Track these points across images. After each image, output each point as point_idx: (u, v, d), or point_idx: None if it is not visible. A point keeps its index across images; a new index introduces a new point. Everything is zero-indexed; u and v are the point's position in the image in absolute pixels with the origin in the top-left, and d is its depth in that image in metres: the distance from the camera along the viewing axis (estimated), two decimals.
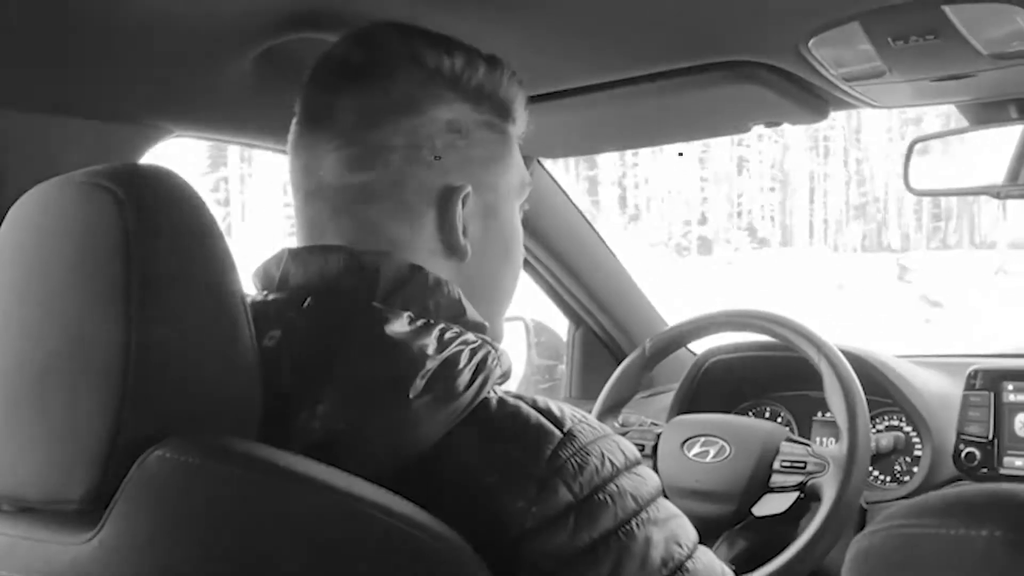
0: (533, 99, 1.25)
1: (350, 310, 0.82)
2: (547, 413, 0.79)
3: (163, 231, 0.73)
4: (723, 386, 1.92)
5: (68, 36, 1.05)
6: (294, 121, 0.92)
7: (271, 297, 0.87)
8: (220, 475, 0.69)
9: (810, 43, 1.08)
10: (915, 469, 1.72)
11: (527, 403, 0.81)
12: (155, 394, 0.71)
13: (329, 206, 0.88)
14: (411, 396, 0.76)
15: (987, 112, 1.34)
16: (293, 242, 0.92)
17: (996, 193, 1.40)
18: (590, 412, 1.66)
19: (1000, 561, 0.44)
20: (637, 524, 0.77)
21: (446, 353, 0.79)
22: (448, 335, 0.81)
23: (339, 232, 0.88)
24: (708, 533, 1.48)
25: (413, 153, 0.87)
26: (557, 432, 0.77)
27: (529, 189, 0.99)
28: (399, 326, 0.79)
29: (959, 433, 1.61)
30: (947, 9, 0.96)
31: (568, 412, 0.81)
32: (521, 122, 0.97)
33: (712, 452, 1.55)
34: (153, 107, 1.26)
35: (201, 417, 0.73)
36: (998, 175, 1.39)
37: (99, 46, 1.09)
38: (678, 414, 1.80)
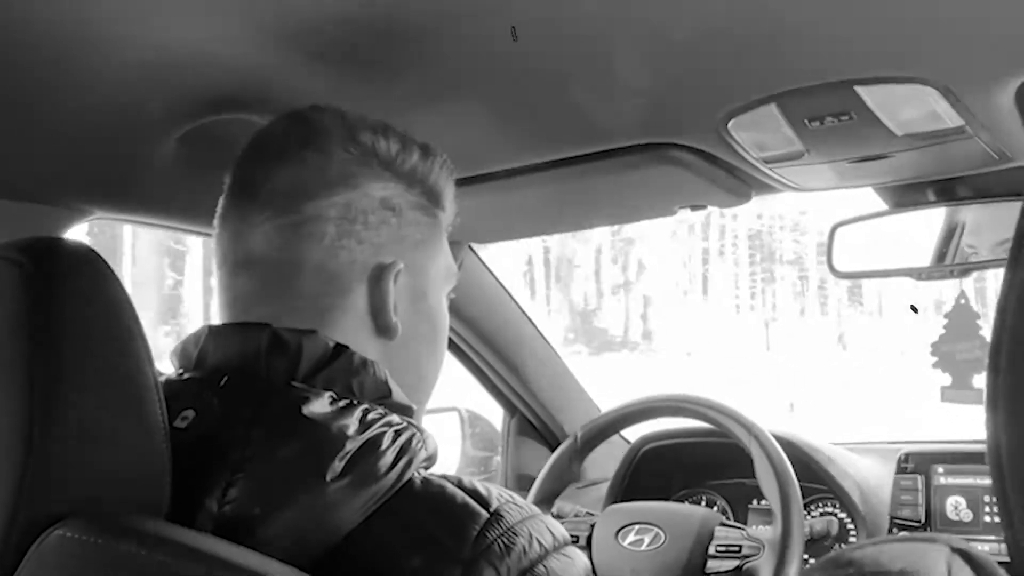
0: (461, 182, 1.26)
1: (267, 390, 0.79)
2: (473, 493, 0.77)
3: (70, 306, 0.71)
4: (658, 474, 1.91)
5: None
6: (224, 194, 0.91)
7: (187, 376, 0.85)
8: (123, 555, 0.66)
9: (729, 125, 1.09)
10: None
11: (452, 483, 0.78)
12: (57, 472, 0.69)
13: (258, 277, 0.87)
14: (328, 479, 0.73)
15: (906, 195, 1.37)
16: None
17: (917, 275, 1.43)
18: None
19: None
20: None
21: (368, 434, 0.76)
22: (371, 416, 0.78)
23: (267, 304, 0.86)
24: None
25: (346, 226, 0.86)
26: (483, 512, 0.75)
27: (456, 279, 0.99)
28: (318, 406, 0.77)
29: (892, 517, 1.61)
30: (860, 90, 0.98)
31: (495, 492, 0.78)
32: (450, 211, 0.98)
33: (647, 540, 1.53)
34: (72, 189, 1.24)
35: (105, 497, 0.71)
36: (921, 257, 1.42)
37: (17, 128, 1.07)
38: (613, 503, 1.78)
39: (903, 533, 1.54)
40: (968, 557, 0.47)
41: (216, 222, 0.91)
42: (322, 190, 0.86)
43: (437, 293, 0.95)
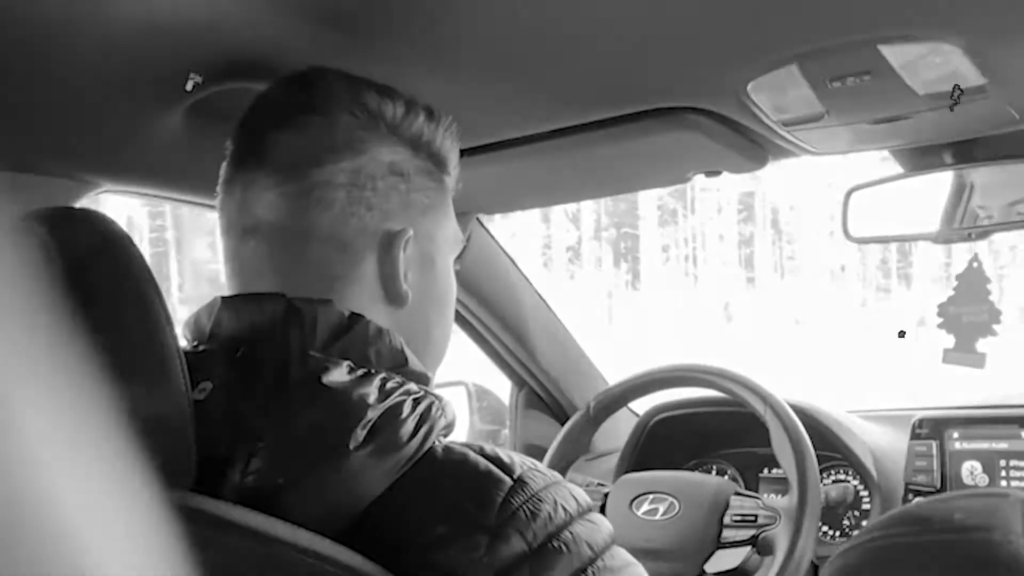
0: (470, 152, 1.24)
1: (285, 360, 0.78)
2: (496, 460, 0.77)
3: (90, 276, 0.70)
4: (669, 444, 1.91)
5: None
6: (227, 160, 0.90)
7: (201, 348, 0.84)
8: None
9: (748, 87, 1.08)
10: (864, 523, 1.70)
11: (475, 451, 0.78)
12: None
13: (266, 245, 0.86)
14: (351, 447, 0.72)
15: (922, 158, 1.36)
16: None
17: (935, 238, 1.42)
18: None
19: (975, 560, 0.42)
20: (593, 572, 0.74)
21: (388, 402, 0.76)
22: (390, 384, 0.78)
23: (277, 272, 0.85)
24: None
25: (356, 193, 0.85)
26: (507, 479, 0.75)
27: (462, 246, 0.98)
28: (338, 375, 0.76)
29: (907, 484, 1.61)
30: (883, 48, 0.97)
31: (518, 459, 0.78)
32: (455, 176, 0.97)
33: (661, 509, 1.52)
34: (81, 161, 1.22)
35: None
36: (936, 220, 1.41)
37: (25, 100, 1.06)
38: (625, 474, 1.77)
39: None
40: None
41: (220, 189, 0.90)
42: (329, 155, 0.85)
43: (445, 259, 0.95)
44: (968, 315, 1.40)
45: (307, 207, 0.84)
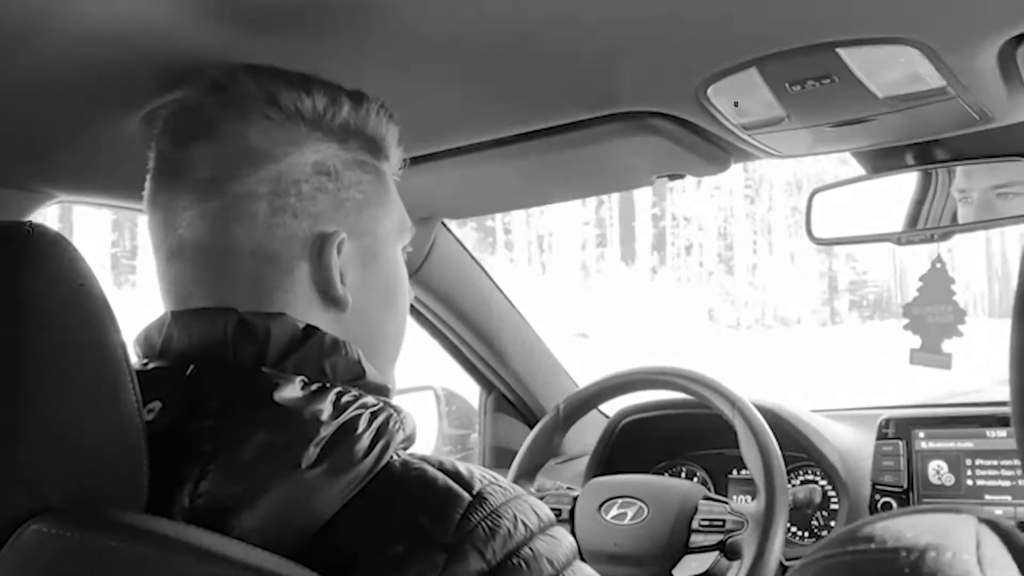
0: (433, 157, 1.22)
1: (236, 377, 0.77)
2: (455, 475, 0.75)
3: (39, 293, 0.69)
4: (638, 447, 1.91)
5: None
6: (149, 175, 0.87)
7: (151, 366, 0.82)
8: (103, 548, 0.65)
9: (708, 91, 1.07)
10: (832, 523, 1.71)
11: (433, 465, 0.77)
12: (30, 465, 0.67)
13: (191, 266, 0.84)
14: (303, 466, 0.71)
15: (885, 159, 1.36)
16: None
17: (897, 240, 1.42)
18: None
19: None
20: None
21: (343, 418, 0.74)
22: (345, 399, 0.77)
23: (205, 294, 0.83)
24: None
25: (278, 202, 0.82)
26: (466, 495, 0.73)
27: (411, 231, 0.95)
28: (290, 391, 0.75)
29: (874, 484, 1.61)
30: (842, 52, 0.96)
31: (477, 473, 0.77)
32: (395, 159, 0.94)
33: (630, 514, 1.52)
34: (33, 172, 1.20)
35: (82, 490, 0.69)
36: (898, 222, 1.41)
37: None
38: (594, 477, 1.77)
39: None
40: (996, 527, 0.45)
41: (145, 206, 0.88)
42: (247, 167, 0.82)
43: (389, 251, 0.91)
44: (933, 315, 1.41)
45: (227, 224, 0.82)
